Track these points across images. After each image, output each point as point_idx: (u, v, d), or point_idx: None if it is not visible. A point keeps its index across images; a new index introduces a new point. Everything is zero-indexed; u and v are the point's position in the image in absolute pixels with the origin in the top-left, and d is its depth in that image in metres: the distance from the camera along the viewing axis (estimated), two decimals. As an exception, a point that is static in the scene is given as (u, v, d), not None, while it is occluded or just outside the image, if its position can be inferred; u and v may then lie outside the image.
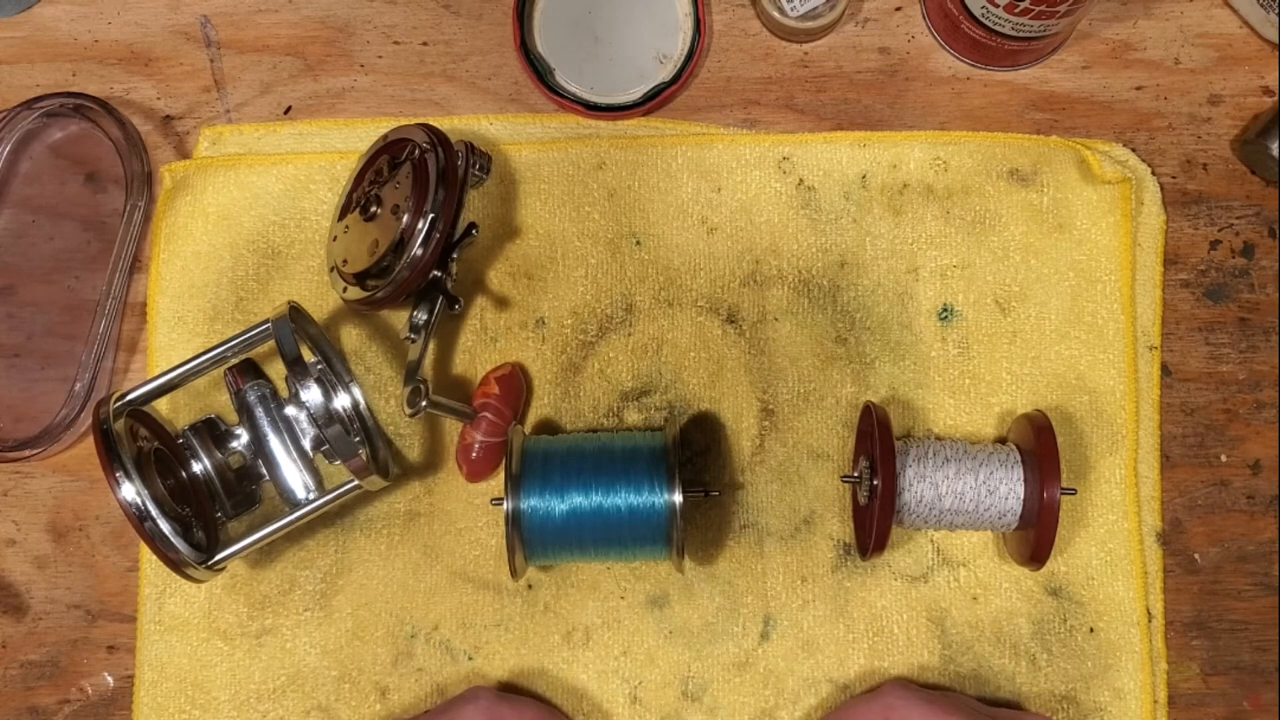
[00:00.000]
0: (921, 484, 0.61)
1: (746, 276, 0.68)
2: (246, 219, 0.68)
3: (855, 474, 0.64)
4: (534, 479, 0.60)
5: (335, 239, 0.65)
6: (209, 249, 0.68)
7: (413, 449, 0.67)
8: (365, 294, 0.62)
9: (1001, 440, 0.66)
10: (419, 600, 0.66)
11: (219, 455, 0.64)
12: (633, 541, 0.61)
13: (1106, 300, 0.67)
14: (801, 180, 0.68)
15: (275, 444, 0.63)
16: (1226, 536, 0.67)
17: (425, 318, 0.62)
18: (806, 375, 0.67)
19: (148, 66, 0.70)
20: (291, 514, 0.61)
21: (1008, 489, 0.61)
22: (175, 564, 0.58)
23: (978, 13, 0.64)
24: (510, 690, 0.65)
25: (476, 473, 0.66)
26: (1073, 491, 0.62)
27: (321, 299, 0.68)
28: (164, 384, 0.62)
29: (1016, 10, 0.62)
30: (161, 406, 0.66)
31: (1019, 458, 0.62)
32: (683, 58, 0.69)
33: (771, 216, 0.68)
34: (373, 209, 0.62)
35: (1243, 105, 0.69)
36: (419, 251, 0.60)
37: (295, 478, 0.63)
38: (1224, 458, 0.67)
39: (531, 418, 0.67)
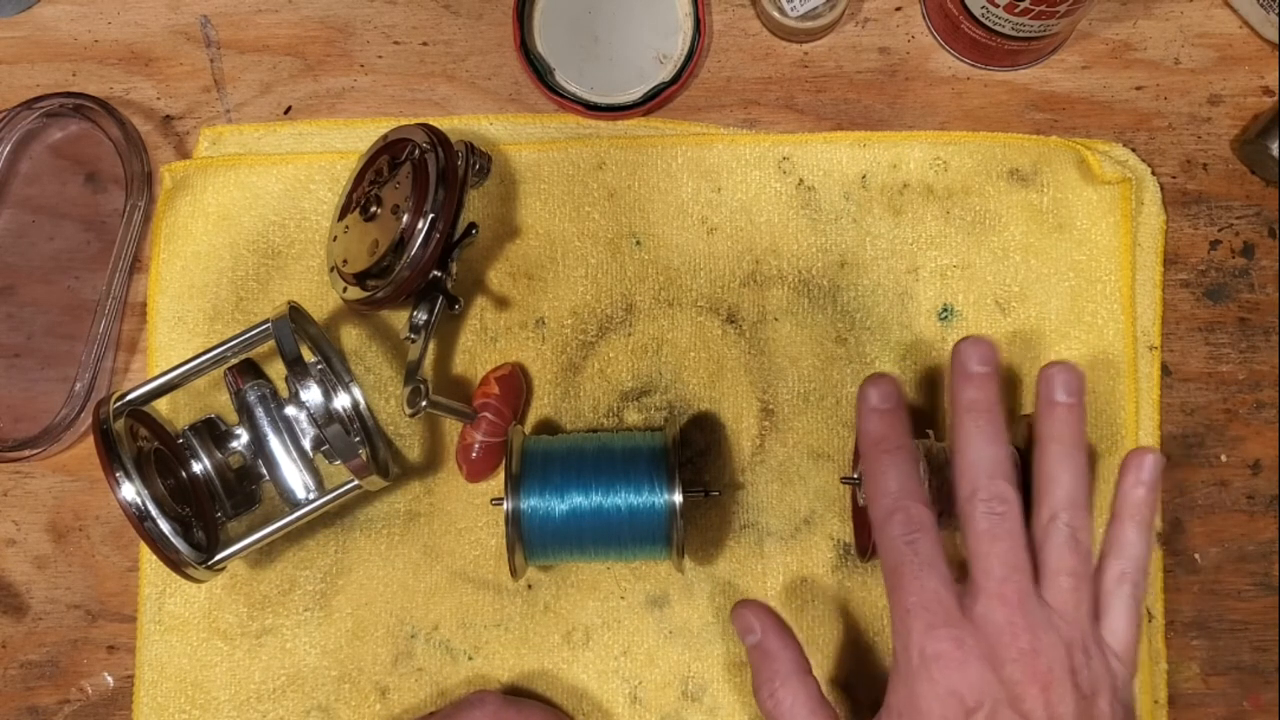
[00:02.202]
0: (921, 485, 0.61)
1: (746, 276, 0.68)
2: (246, 219, 0.68)
3: (855, 475, 0.64)
4: (534, 479, 0.60)
5: (335, 239, 0.65)
6: (209, 249, 0.68)
7: (413, 449, 0.67)
8: (365, 294, 0.62)
9: (1001, 440, 0.66)
10: (419, 600, 0.66)
11: (219, 455, 0.64)
12: (632, 541, 0.61)
13: (1106, 300, 0.67)
14: (801, 180, 0.68)
15: (275, 444, 0.63)
16: (1226, 536, 0.67)
17: (425, 318, 0.62)
18: (806, 375, 0.67)
19: (148, 66, 0.70)
20: (291, 514, 0.61)
21: (1008, 489, 0.61)
22: (175, 564, 0.58)
23: (978, 13, 0.64)
24: (512, 691, 0.65)
25: (476, 473, 0.66)
26: (1073, 491, 0.62)
27: (321, 299, 0.68)
28: (164, 384, 0.62)
29: (1016, 10, 0.62)
30: (161, 406, 0.66)
31: (1019, 458, 0.62)
32: (683, 58, 0.68)
33: (771, 216, 0.68)
34: (373, 209, 0.62)
35: (1243, 105, 0.69)
36: (419, 251, 0.60)
37: (295, 478, 0.63)
38: (1224, 458, 0.67)
39: (531, 418, 0.67)
